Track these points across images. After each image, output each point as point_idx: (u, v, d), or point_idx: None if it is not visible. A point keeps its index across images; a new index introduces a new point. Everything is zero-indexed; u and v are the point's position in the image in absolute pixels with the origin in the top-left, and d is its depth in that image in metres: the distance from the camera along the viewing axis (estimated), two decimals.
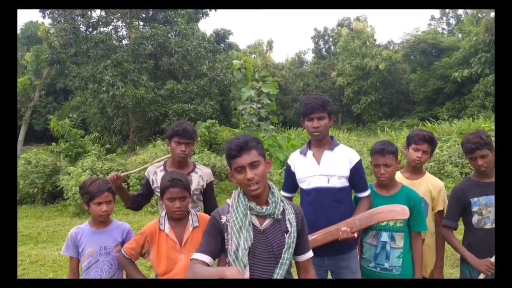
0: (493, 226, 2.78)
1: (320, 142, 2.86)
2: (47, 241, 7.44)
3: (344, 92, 31.16)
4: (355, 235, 2.64)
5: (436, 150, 9.42)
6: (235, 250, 1.92)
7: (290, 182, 3.01)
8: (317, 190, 2.79)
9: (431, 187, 3.04)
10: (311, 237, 2.68)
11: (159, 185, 3.13)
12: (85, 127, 21.85)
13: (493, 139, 2.88)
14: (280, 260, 1.97)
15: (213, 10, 22.55)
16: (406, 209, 2.67)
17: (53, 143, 13.69)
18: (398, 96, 32.51)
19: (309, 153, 2.89)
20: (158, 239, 2.55)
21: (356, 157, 2.84)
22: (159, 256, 2.53)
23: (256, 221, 1.98)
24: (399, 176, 3.11)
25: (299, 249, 2.08)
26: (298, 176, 2.91)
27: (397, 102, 32.66)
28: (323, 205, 2.78)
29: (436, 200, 3.03)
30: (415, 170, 3.11)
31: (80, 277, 2.77)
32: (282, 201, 2.06)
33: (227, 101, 20.17)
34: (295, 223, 2.04)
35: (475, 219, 2.84)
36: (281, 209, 2.02)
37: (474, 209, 2.84)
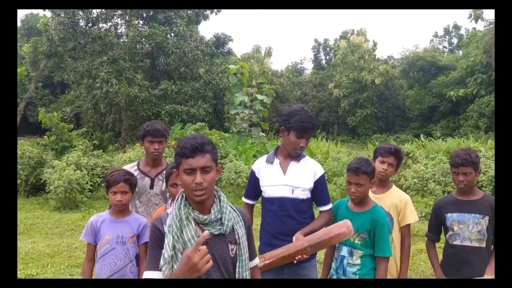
0: (463, 243, 2.88)
1: (290, 154, 2.87)
2: (23, 233, 7.38)
3: (341, 104, 31.26)
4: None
5: (421, 168, 9.45)
6: (170, 256, 1.79)
7: (253, 189, 2.99)
8: (280, 200, 2.80)
9: (396, 201, 3.05)
10: (266, 261, 2.67)
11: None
12: (78, 122, 21.79)
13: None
14: (237, 275, 1.91)
15: (213, 13, 22.69)
16: (350, 226, 2.61)
17: (46, 136, 13.63)
18: (394, 111, 32.60)
19: (276, 161, 2.89)
20: None
21: (320, 171, 2.87)
22: None
23: (199, 231, 1.85)
24: None
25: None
26: (262, 183, 2.90)
27: (393, 117, 32.75)
28: (286, 215, 2.79)
29: (402, 214, 3.03)
30: (381, 183, 3.12)
31: (96, 263, 2.88)
32: (233, 209, 1.96)
33: (221, 105, 20.19)
34: (244, 232, 1.95)
35: (448, 234, 2.97)
36: (227, 219, 1.89)
37: (447, 224, 2.95)
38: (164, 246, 1.81)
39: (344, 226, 2.62)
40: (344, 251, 2.80)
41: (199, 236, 1.78)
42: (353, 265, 2.76)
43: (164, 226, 1.85)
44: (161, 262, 1.80)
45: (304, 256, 2.62)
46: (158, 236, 1.86)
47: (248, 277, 1.96)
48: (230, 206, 1.96)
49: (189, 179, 1.80)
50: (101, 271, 2.80)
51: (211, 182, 1.83)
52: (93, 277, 2.97)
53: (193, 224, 1.83)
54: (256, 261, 2.10)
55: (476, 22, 27.95)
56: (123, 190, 2.81)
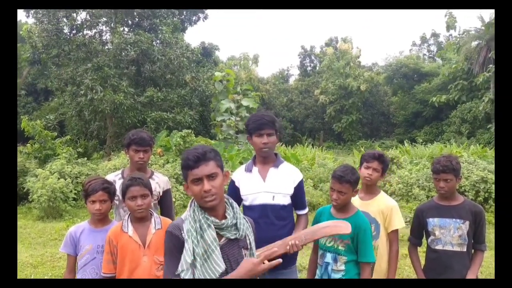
0: (444, 248, 2.93)
1: (266, 159, 2.91)
2: None
3: (326, 110, 31.52)
4: (301, 247, 2.66)
5: (405, 173, 9.57)
6: (192, 261, 1.84)
7: (233, 199, 3.02)
8: (262, 207, 2.83)
9: (382, 207, 3.07)
10: (261, 251, 2.70)
11: (118, 193, 3.18)
12: (62, 129, 21.49)
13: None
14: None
15: (201, 19, 22.73)
16: (349, 225, 2.65)
17: (28, 144, 13.43)
18: (379, 118, 33.03)
19: (255, 169, 2.93)
20: (122, 241, 2.59)
21: (299, 176, 2.95)
22: (122, 258, 2.55)
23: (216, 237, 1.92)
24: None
25: None
26: (242, 192, 2.93)
27: (378, 123, 33.17)
28: (268, 222, 2.82)
29: (388, 220, 3.05)
30: (368, 189, 3.15)
31: (77, 274, 2.83)
32: (242, 217, 2.03)
33: (208, 112, 20.17)
34: (253, 239, 2.03)
35: (430, 239, 3.02)
36: (242, 224, 1.97)
37: (429, 228, 3.01)
38: (185, 251, 1.86)
39: (342, 222, 2.67)
40: (328, 257, 2.83)
41: (218, 241, 1.89)
42: (337, 271, 2.78)
43: (182, 232, 1.89)
44: (180, 267, 1.84)
45: (297, 243, 2.60)
46: (175, 244, 1.89)
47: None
48: (239, 213, 2.04)
49: (197, 188, 1.87)
50: None
51: (219, 187, 1.90)
52: None
53: (213, 227, 1.89)
54: None
55: (448, 31, 28.77)
56: (102, 199, 2.76)
